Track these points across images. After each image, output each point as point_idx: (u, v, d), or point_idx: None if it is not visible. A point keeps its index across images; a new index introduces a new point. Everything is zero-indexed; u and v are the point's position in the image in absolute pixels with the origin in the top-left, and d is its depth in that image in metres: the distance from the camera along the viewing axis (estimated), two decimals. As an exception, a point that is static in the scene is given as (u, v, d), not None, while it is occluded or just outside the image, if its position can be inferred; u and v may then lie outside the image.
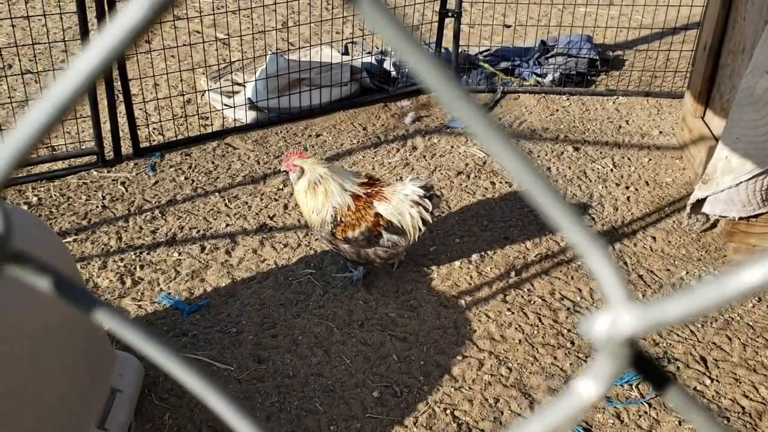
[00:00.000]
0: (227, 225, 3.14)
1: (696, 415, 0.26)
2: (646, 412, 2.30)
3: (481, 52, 4.75)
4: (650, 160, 3.79)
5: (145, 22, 0.22)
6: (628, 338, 0.24)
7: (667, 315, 0.23)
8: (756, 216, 2.96)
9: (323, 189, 2.62)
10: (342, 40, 4.77)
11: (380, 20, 0.22)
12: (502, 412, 2.29)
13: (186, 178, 3.47)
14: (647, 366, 0.25)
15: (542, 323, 2.65)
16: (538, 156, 3.80)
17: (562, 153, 3.83)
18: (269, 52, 4.24)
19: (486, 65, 4.62)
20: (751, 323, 2.70)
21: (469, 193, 3.45)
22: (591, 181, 3.59)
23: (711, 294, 0.22)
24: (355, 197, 2.65)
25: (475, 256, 2.99)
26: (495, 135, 0.24)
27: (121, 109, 3.52)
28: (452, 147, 3.84)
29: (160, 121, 3.89)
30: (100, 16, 3.22)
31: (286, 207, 3.27)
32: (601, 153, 3.85)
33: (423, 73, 0.24)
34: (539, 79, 4.56)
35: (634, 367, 0.25)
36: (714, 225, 3.18)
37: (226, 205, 3.29)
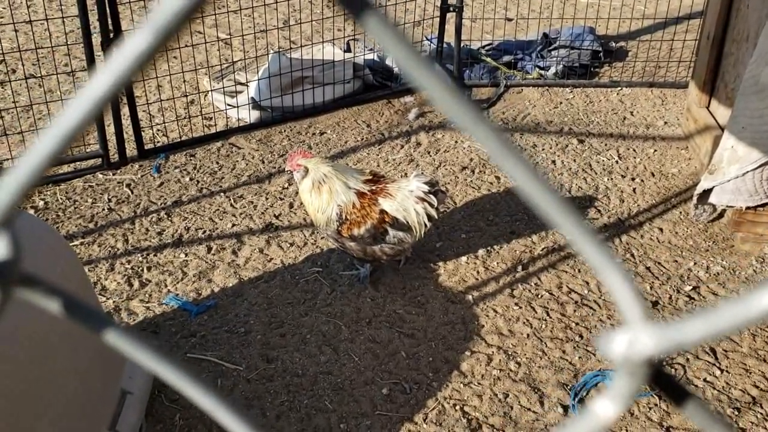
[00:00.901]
0: (233, 225, 3.14)
1: (717, 431, 0.26)
2: (656, 404, 2.30)
3: (484, 47, 4.74)
4: (655, 151, 3.78)
5: (152, 50, 0.22)
6: (646, 358, 0.24)
7: (686, 336, 0.22)
8: (763, 205, 2.95)
9: (328, 188, 2.62)
10: (344, 37, 4.76)
11: (386, 38, 0.22)
12: (511, 407, 2.29)
13: (191, 179, 3.48)
14: (667, 382, 0.25)
15: (550, 317, 2.65)
16: (543, 149, 3.79)
17: (567, 146, 3.82)
18: (271, 51, 4.24)
19: (488, 59, 4.60)
20: (760, 313, 2.69)
21: (474, 188, 3.44)
22: (596, 173, 3.58)
23: (732, 315, 0.22)
24: (360, 195, 2.65)
25: (481, 251, 2.99)
26: (518, 166, 0.24)
27: (125, 111, 3.52)
28: (456, 142, 3.83)
29: (164, 123, 3.89)
30: (102, 20, 3.22)
31: (291, 206, 3.27)
32: (605, 145, 3.84)
33: (430, 91, 0.23)
34: (542, 72, 4.55)
35: (653, 383, 0.25)
36: (721, 215, 3.17)
37: (231, 205, 3.29)
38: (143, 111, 3.82)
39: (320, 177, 2.63)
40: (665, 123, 4.05)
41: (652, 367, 0.23)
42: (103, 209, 3.23)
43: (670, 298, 2.76)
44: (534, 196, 0.25)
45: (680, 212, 3.27)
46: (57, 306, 0.28)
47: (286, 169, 2.75)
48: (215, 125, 3.97)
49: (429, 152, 3.74)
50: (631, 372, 0.24)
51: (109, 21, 3.24)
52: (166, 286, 2.77)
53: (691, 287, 2.82)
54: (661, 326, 0.23)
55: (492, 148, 0.24)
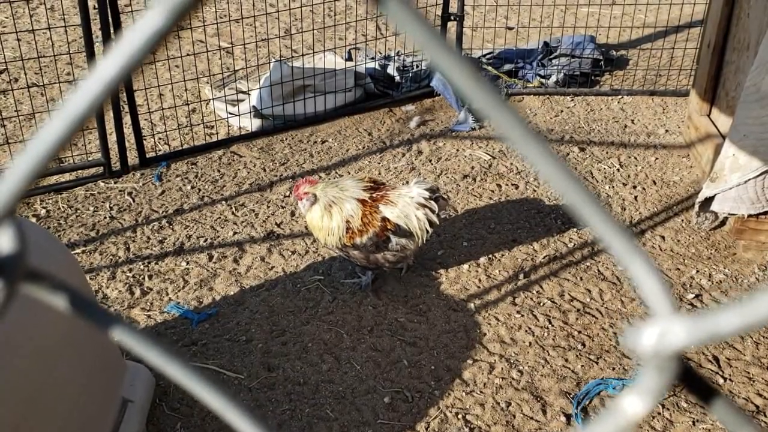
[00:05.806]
0: (234, 233, 3.14)
1: (745, 430, 0.25)
2: (659, 413, 2.28)
3: (484, 55, 4.75)
4: (657, 159, 3.78)
5: (165, 28, 0.21)
6: (677, 351, 0.23)
7: (721, 327, 0.22)
8: (765, 213, 2.94)
9: (338, 208, 2.62)
10: (345, 46, 4.77)
11: (407, 20, 0.21)
12: (514, 416, 2.27)
13: (192, 187, 3.47)
14: (694, 379, 0.24)
15: (552, 325, 2.64)
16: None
17: (568, 154, 3.82)
18: (273, 60, 4.25)
19: (489, 68, 4.61)
20: (763, 321, 2.68)
21: (475, 196, 3.44)
22: (598, 181, 3.57)
23: (768, 305, 0.21)
24: (361, 202, 2.65)
25: (483, 259, 2.98)
26: (526, 137, 0.24)
27: (127, 119, 3.52)
28: (458, 150, 3.83)
29: (166, 131, 3.90)
30: (104, 29, 3.22)
31: (293, 214, 3.27)
32: (607, 153, 3.83)
33: (451, 73, 0.23)
34: (543, 80, 4.55)
35: (681, 380, 0.24)
36: (723, 223, 3.16)
37: (233, 213, 3.28)
38: (145, 119, 3.83)
39: (330, 200, 2.63)
40: (666, 131, 4.05)
41: (681, 362, 0.23)
42: (105, 217, 3.22)
43: (673, 306, 2.74)
44: (558, 183, 0.24)
45: (682, 220, 3.26)
46: (62, 301, 0.27)
47: (292, 199, 2.75)
48: (216, 133, 3.97)
49: (430, 160, 3.74)
50: (661, 366, 0.23)
51: (112, 30, 3.25)
52: (167, 294, 2.76)
53: (693, 295, 2.80)
54: (693, 317, 0.23)
55: (511, 132, 0.24)
